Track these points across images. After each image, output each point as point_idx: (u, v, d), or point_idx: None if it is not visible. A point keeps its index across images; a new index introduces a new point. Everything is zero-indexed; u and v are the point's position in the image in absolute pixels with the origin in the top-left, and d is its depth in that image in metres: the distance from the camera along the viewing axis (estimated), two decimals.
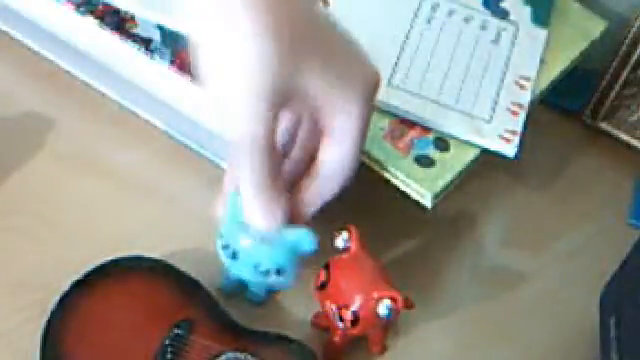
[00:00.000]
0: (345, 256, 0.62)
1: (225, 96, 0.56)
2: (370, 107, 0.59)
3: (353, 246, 0.62)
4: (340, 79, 0.57)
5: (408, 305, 0.62)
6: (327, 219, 0.62)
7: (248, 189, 0.58)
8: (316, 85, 0.57)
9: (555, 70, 0.73)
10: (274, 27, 0.54)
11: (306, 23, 0.57)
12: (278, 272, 0.60)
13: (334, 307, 0.61)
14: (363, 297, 0.60)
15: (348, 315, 0.60)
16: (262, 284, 0.63)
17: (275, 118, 0.56)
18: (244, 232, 0.60)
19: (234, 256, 0.61)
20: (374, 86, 0.59)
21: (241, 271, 0.62)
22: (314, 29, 0.57)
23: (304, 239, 0.59)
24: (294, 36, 0.55)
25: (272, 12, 0.54)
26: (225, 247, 0.61)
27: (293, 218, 0.60)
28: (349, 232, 0.62)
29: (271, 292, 0.65)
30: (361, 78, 0.58)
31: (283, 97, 0.56)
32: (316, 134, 0.60)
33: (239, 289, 0.64)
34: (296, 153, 0.62)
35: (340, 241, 0.62)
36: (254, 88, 0.55)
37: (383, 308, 0.59)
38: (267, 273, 0.60)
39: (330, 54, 0.57)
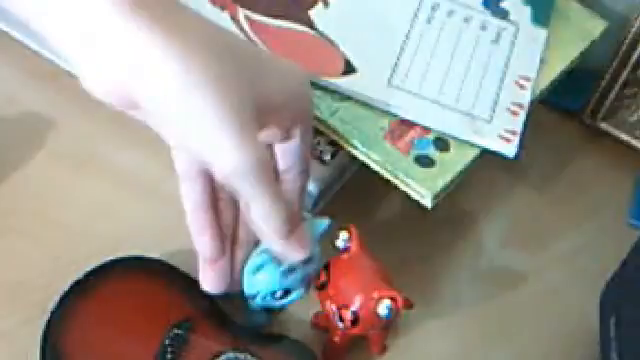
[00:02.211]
0: (345, 256, 0.62)
1: (199, 133, 0.52)
2: (309, 123, 0.58)
3: (353, 246, 0.62)
4: (271, 104, 0.55)
5: (408, 305, 0.62)
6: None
7: (274, 231, 0.56)
8: (272, 94, 0.55)
9: (555, 70, 0.73)
10: (213, 56, 0.51)
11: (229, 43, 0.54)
12: (284, 294, 0.61)
13: (334, 307, 0.61)
14: (363, 297, 0.60)
15: (348, 315, 0.60)
16: (269, 308, 0.63)
17: (259, 138, 0.53)
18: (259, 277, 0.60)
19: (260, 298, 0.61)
20: (308, 104, 0.58)
21: (261, 302, 0.61)
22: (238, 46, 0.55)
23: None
24: (230, 56, 0.53)
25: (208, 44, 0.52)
26: (254, 297, 0.61)
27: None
28: (349, 232, 0.62)
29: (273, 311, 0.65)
30: (297, 80, 0.57)
31: (257, 113, 0.53)
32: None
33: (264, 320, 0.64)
34: None
35: (340, 241, 0.62)
36: (226, 115, 0.51)
37: (383, 308, 0.59)
38: (278, 297, 0.61)
39: (264, 67, 0.55)
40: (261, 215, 0.55)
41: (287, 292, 0.61)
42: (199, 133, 0.52)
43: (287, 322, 0.65)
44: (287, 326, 0.64)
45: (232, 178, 0.52)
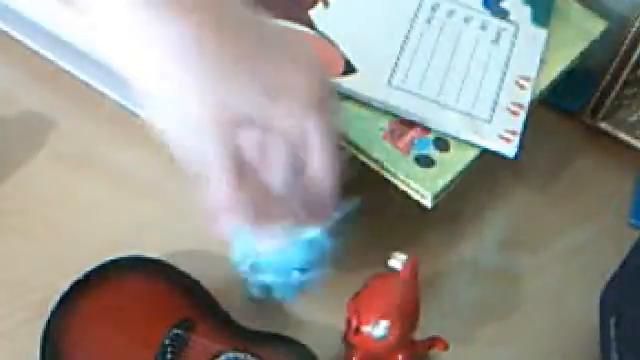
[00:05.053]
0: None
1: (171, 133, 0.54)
2: (325, 112, 0.56)
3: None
4: (279, 95, 0.54)
5: (444, 347, 0.64)
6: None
7: (246, 220, 0.57)
8: (259, 105, 0.54)
9: (555, 70, 0.73)
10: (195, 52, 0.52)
11: (229, 39, 0.54)
12: (302, 271, 0.61)
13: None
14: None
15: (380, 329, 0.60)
16: (289, 285, 0.62)
17: (228, 142, 0.54)
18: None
19: (254, 268, 0.61)
20: (321, 91, 0.56)
21: (265, 278, 0.62)
22: (239, 47, 0.54)
23: (318, 239, 0.59)
24: (222, 60, 0.53)
25: (193, 33, 0.52)
26: (242, 261, 0.61)
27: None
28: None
29: (301, 290, 0.64)
30: (303, 89, 0.55)
31: (227, 124, 0.54)
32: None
33: (266, 294, 0.64)
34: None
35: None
36: (189, 122, 0.53)
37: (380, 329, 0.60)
38: (292, 274, 0.61)
39: (261, 70, 0.54)
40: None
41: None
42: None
43: (287, 322, 0.65)
44: (287, 326, 0.64)
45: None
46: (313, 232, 0.59)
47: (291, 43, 0.57)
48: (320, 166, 0.57)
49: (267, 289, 0.64)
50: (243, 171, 0.55)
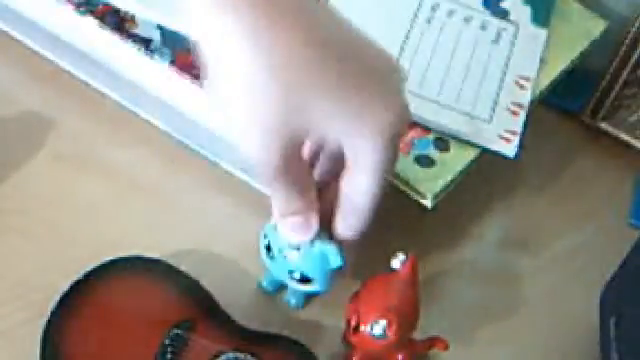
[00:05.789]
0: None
1: (234, 125, 0.54)
2: (394, 140, 0.55)
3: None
4: (357, 114, 0.53)
5: (444, 346, 0.64)
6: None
7: (275, 209, 0.58)
8: (329, 120, 0.53)
9: (555, 70, 0.73)
10: (282, 58, 0.51)
11: (319, 49, 0.52)
12: (304, 280, 0.61)
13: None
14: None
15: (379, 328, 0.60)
16: (296, 288, 0.63)
17: (293, 145, 0.53)
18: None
19: (272, 256, 0.61)
20: (399, 118, 0.55)
21: (276, 272, 0.62)
22: (328, 58, 0.52)
23: (330, 254, 0.59)
24: (304, 68, 0.52)
25: (280, 40, 0.51)
26: (267, 246, 0.61)
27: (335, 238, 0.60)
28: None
29: (307, 297, 0.65)
30: (383, 112, 0.54)
31: (295, 129, 0.53)
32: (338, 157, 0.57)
33: (277, 290, 0.65)
34: (319, 174, 0.60)
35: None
36: (260, 122, 0.52)
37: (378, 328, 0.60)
38: (295, 279, 0.61)
39: (346, 85, 0.53)
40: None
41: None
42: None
43: (287, 322, 0.65)
44: (287, 326, 0.64)
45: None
46: (327, 248, 0.59)
47: (385, 70, 0.56)
48: (365, 185, 0.56)
49: (277, 285, 0.65)
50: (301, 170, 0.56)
